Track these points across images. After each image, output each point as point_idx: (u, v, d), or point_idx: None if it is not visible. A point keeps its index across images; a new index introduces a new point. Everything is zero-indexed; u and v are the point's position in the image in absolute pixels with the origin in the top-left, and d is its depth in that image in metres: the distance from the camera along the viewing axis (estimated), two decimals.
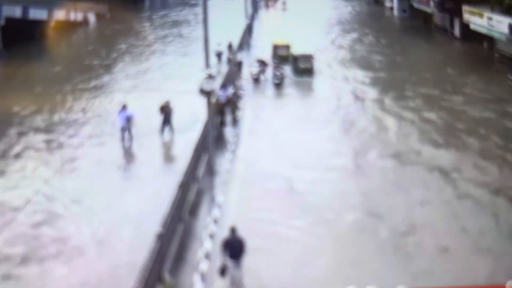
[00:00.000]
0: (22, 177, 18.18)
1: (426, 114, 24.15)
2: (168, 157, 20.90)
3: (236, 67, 30.83)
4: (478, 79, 29.93)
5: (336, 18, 54.32)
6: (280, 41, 34.91)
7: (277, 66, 30.10)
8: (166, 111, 21.57)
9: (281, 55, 33.29)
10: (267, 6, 65.59)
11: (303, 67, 31.13)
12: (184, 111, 22.87)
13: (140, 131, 21.19)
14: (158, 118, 21.52)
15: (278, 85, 29.23)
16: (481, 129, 22.16)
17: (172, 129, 21.71)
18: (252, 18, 49.05)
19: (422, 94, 27.38)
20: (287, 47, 34.03)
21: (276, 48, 34.41)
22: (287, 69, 31.31)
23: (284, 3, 64.28)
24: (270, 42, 35.77)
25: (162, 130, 21.55)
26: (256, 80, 30.21)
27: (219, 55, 34.19)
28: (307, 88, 29.99)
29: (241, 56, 32.23)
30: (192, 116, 22.12)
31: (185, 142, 19.22)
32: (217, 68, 31.84)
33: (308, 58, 31.42)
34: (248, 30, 42.64)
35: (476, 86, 28.56)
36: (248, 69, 31.56)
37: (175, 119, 21.76)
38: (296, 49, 33.11)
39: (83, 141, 21.43)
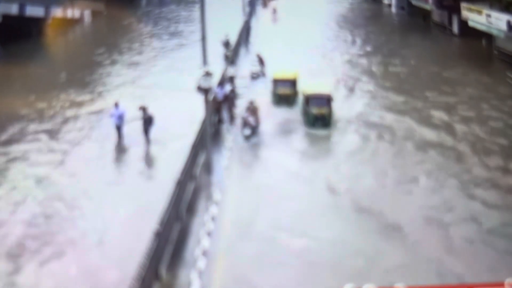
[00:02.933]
0: (14, 178, 17.97)
1: (431, 112, 24.05)
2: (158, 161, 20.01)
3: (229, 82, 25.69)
4: (477, 76, 29.88)
5: (334, 17, 54.09)
6: (282, 74, 25.51)
7: (251, 108, 21.12)
8: (144, 118, 20.25)
9: (284, 95, 24.81)
10: (265, 4, 62.25)
11: (317, 113, 21.72)
12: (181, 110, 22.72)
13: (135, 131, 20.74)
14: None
15: (249, 137, 20.34)
16: (480, 126, 22.13)
17: (148, 140, 20.30)
18: (250, 15, 48.75)
19: (424, 94, 27.31)
20: (292, 82, 25.02)
21: (276, 83, 25.17)
22: (294, 113, 23.43)
23: (274, 11, 54.23)
24: (264, 51, 31.80)
25: (146, 138, 20.38)
26: (255, 79, 29.27)
27: (226, 44, 34.18)
28: (318, 149, 20.54)
29: (233, 71, 27.09)
30: (188, 118, 20.99)
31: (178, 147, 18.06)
32: (228, 52, 32.21)
33: (324, 100, 22.00)
34: (246, 29, 42.18)
35: (475, 83, 28.48)
36: (249, 68, 30.51)
37: (173, 121, 21.34)
38: (304, 79, 25.26)
39: (77, 140, 21.17)
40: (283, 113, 23.72)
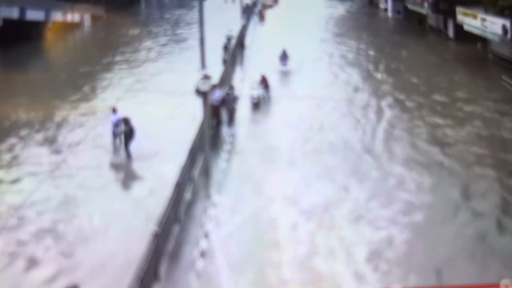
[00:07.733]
0: (9, 184, 17.83)
1: (424, 116, 24.23)
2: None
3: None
4: (473, 79, 30.17)
5: (331, 19, 54.41)
6: None
7: None
8: (125, 131, 18.80)
9: None
10: (261, 17, 54.71)
11: None
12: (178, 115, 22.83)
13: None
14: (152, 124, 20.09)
15: None
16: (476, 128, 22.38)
17: (129, 155, 18.95)
18: (247, 21, 48.43)
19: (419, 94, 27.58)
20: None
21: None
22: None
23: (284, 55, 32.66)
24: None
25: (126, 152, 19.04)
26: (256, 105, 24.73)
27: (228, 40, 34.75)
28: None
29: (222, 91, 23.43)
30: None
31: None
32: (226, 55, 32.42)
33: None
34: (243, 35, 41.76)
35: (471, 87, 28.74)
36: (249, 92, 25.65)
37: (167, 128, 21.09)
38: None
39: (74, 145, 20.74)
40: None
